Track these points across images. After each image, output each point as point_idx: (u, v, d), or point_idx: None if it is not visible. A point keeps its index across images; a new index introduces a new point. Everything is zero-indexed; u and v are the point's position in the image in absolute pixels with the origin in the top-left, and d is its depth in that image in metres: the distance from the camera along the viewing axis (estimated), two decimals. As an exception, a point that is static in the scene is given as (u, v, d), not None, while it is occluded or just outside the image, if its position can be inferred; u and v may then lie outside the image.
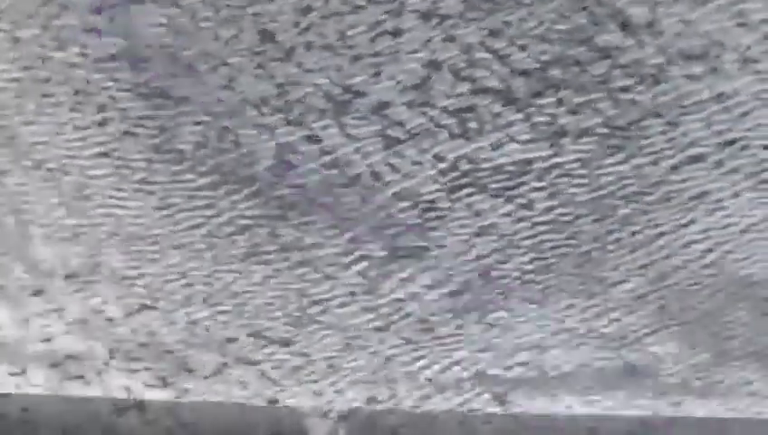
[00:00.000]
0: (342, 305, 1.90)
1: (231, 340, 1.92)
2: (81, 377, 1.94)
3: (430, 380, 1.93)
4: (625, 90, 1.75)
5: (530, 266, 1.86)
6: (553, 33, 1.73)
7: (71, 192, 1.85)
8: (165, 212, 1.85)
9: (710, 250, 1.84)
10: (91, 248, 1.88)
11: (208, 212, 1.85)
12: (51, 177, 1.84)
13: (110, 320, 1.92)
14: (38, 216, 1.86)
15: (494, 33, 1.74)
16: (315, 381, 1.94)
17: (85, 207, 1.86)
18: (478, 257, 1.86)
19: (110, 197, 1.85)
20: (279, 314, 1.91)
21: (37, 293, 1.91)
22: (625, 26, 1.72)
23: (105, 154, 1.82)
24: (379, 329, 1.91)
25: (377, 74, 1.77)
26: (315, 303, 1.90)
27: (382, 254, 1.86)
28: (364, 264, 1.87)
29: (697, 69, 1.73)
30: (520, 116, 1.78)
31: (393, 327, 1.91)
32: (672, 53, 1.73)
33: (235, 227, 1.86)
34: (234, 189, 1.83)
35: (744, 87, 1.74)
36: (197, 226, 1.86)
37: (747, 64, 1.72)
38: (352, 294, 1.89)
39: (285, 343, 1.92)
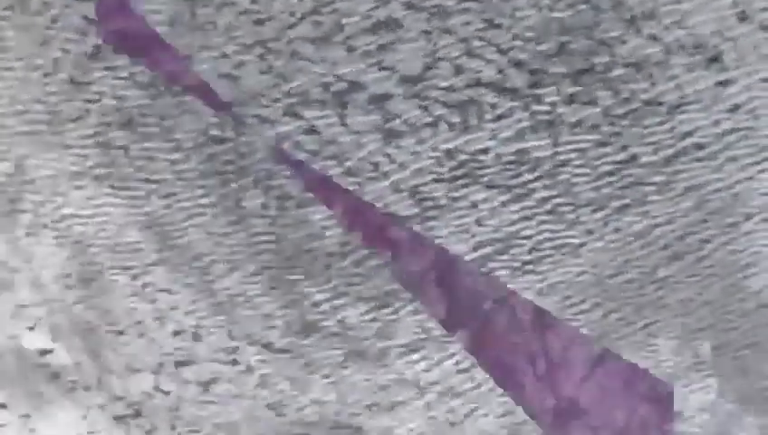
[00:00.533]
0: (340, 296, 1.90)
1: (230, 350, 1.92)
2: (80, 385, 1.93)
3: (427, 371, 1.92)
4: (624, 80, 1.75)
5: (528, 257, 1.86)
6: (552, 23, 1.74)
7: (66, 182, 1.85)
8: (163, 202, 1.85)
9: (707, 241, 1.84)
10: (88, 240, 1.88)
11: (206, 202, 1.85)
12: (45, 165, 1.84)
13: (108, 324, 1.91)
14: (35, 205, 1.86)
15: (491, 24, 1.75)
16: (314, 377, 1.93)
17: (80, 196, 1.85)
18: (476, 248, 1.86)
19: (108, 187, 1.84)
20: (275, 306, 1.90)
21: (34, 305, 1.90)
22: (624, 16, 1.73)
23: (102, 144, 1.82)
24: (375, 320, 1.91)
25: (375, 65, 1.77)
26: (312, 295, 1.90)
27: (381, 244, 1.86)
28: (362, 253, 1.87)
29: (697, 59, 1.74)
30: (519, 106, 1.78)
31: (390, 318, 1.91)
32: (671, 43, 1.73)
33: (232, 218, 1.86)
34: (231, 180, 1.83)
35: (743, 77, 1.74)
36: (195, 216, 1.86)
37: (747, 54, 1.73)
38: (350, 284, 1.89)
39: (283, 336, 1.92)
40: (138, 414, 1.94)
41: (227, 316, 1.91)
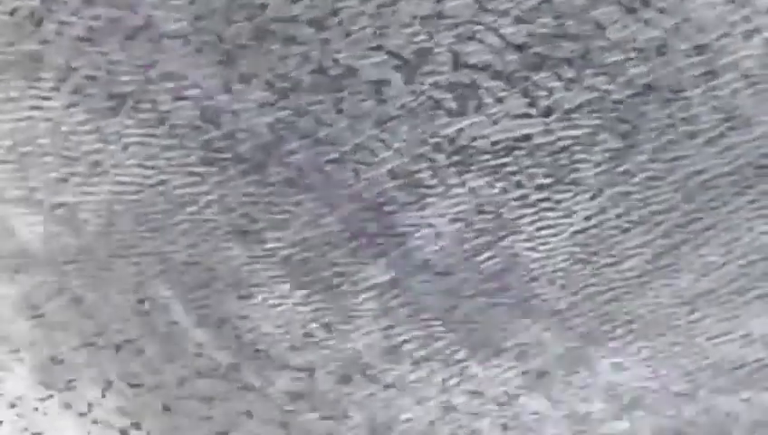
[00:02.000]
0: (336, 286, 1.90)
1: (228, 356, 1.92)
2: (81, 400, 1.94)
3: (418, 362, 1.93)
4: (622, 65, 1.74)
5: (525, 244, 1.85)
6: (549, 7, 1.72)
7: (55, 171, 1.85)
8: (159, 189, 1.85)
9: (707, 229, 1.83)
10: (81, 230, 1.88)
11: (201, 189, 1.85)
12: (35, 156, 1.84)
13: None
14: (21, 198, 1.87)
15: (487, 7, 1.73)
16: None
17: (72, 185, 1.86)
18: (472, 234, 1.86)
19: (98, 175, 1.85)
20: (273, 296, 1.91)
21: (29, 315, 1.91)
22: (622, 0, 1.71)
23: (93, 131, 1.82)
24: (371, 310, 1.91)
25: (369, 50, 1.76)
26: (309, 283, 1.90)
27: (375, 232, 1.86)
28: (357, 242, 1.87)
29: (696, 43, 1.72)
30: (516, 91, 1.77)
31: (384, 308, 1.91)
32: (670, 27, 1.71)
33: (228, 205, 1.86)
34: (226, 166, 1.83)
35: (743, 62, 1.72)
36: (190, 203, 1.86)
37: (748, 39, 1.71)
38: (343, 274, 1.89)
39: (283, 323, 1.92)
40: (137, 429, 1.95)
41: (223, 298, 1.91)
